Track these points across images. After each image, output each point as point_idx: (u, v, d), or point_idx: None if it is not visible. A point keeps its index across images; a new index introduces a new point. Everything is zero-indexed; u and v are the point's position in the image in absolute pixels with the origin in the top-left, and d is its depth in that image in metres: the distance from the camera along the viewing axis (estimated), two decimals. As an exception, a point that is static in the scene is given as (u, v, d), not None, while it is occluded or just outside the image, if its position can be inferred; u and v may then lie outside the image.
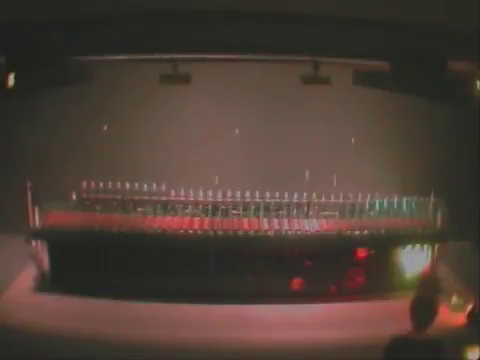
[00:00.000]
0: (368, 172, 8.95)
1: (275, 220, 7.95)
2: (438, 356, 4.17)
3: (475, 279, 7.39)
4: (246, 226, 7.87)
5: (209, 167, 9.03)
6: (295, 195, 8.19)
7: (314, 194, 8.16)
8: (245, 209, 8.11)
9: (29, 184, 7.67)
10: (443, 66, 6.88)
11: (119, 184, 8.19)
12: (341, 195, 8.15)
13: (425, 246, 7.94)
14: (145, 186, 8.22)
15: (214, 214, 8.08)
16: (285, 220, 8.01)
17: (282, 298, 7.47)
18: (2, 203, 8.67)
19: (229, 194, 8.22)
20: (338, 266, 7.77)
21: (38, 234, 7.77)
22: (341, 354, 6.39)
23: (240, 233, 7.74)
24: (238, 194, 8.21)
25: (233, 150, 9.38)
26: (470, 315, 6.95)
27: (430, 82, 6.99)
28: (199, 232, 7.75)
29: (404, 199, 8.15)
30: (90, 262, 7.69)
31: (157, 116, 9.27)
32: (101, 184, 8.20)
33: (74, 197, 8.26)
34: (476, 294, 7.15)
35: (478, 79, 7.08)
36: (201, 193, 8.23)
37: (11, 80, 6.68)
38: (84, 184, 8.23)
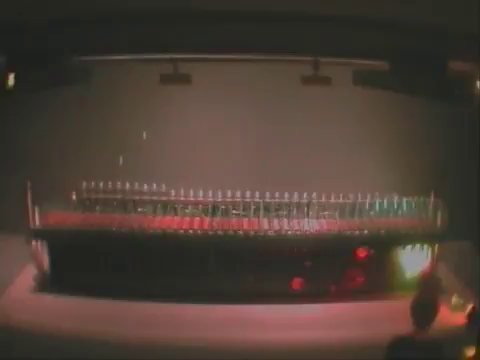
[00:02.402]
0: (368, 172, 8.95)
1: (275, 220, 7.95)
2: (438, 356, 4.17)
3: (475, 279, 7.39)
4: (246, 226, 7.87)
5: (209, 167, 9.03)
6: (295, 195, 8.19)
7: (314, 194, 8.16)
8: (245, 209, 8.11)
9: (29, 184, 7.67)
10: (443, 66, 6.88)
11: (119, 184, 8.19)
12: (341, 195, 8.15)
13: (425, 246, 7.94)
14: (145, 186, 8.22)
15: (214, 214, 8.07)
16: (285, 220, 8.01)
17: (282, 298, 7.47)
18: (2, 203, 8.66)
19: (229, 194, 8.22)
20: (338, 266, 7.76)
21: (38, 234, 7.77)
22: (341, 354, 6.39)
23: (240, 233, 7.74)
24: (238, 194, 8.20)
25: (233, 150, 9.38)
26: (470, 315, 6.95)
27: (430, 82, 6.99)
28: (199, 232, 7.76)
29: (404, 199, 8.15)
30: (90, 262, 7.69)
31: (157, 116, 9.27)
32: (101, 184, 8.20)
33: (74, 197, 8.26)
34: (476, 294, 7.16)
35: (478, 79, 7.08)
36: (201, 193, 8.23)
37: (11, 80, 6.68)
38: (84, 184, 8.23)
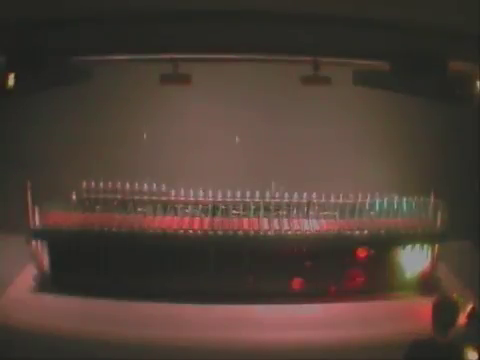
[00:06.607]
0: (368, 172, 8.96)
1: (275, 220, 7.95)
2: (457, 358, 4.16)
3: (475, 279, 7.39)
4: (246, 226, 7.87)
5: (209, 167, 9.04)
6: (295, 195, 8.19)
7: (314, 194, 8.16)
8: (245, 209, 8.11)
9: (29, 184, 7.67)
10: (443, 66, 6.89)
11: (119, 184, 8.20)
12: (341, 195, 8.15)
13: (425, 246, 7.94)
14: (145, 186, 8.23)
15: (214, 214, 8.07)
16: (285, 220, 8.01)
17: (282, 298, 7.47)
18: (2, 203, 8.67)
19: (229, 194, 8.22)
20: (338, 266, 7.76)
21: (38, 234, 7.77)
22: (341, 354, 6.39)
23: (240, 233, 7.74)
24: (238, 194, 8.21)
25: (233, 150, 9.38)
26: (470, 315, 6.94)
27: (430, 82, 6.99)
28: (199, 232, 7.76)
29: (404, 199, 8.15)
30: (90, 262, 7.69)
31: (157, 116, 9.27)
32: (101, 184, 8.20)
33: (74, 197, 8.26)
34: (476, 294, 7.15)
35: (478, 79, 7.08)
36: (201, 193, 8.23)
37: (11, 80, 6.68)
38: (84, 184, 8.23)
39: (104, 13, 6.42)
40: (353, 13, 6.33)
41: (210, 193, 8.21)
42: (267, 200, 8.13)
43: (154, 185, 8.24)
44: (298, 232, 7.80)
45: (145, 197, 8.19)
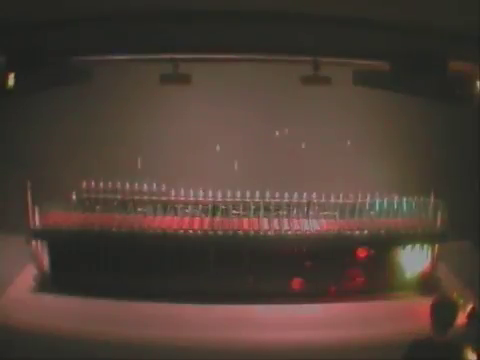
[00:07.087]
0: (368, 172, 8.96)
1: (275, 220, 7.95)
2: (456, 358, 4.16)
3: (475, 279, 7.39)
4: (246, 226, 7.87)
5: (209, 167, 9.04)
6: (295, 195, 8.19)
7: (314, 194, 8.16)
8: (245, 209, 8.11)
9: (29, 184, 7.67)
10: (443, 66, 6.89)
11: (119, 184, 8.20)
12: (341, 195, 8.15)
13: (425, 246, 7.94)
14: (145, 186, 8.23)
15: (214, 214, 8.08)
16: (285, 220, 8.01)
17: (282, 298, 7.47)
18: (2, 203, 8.66)
19: (229, 194, 8.22)
20: (338, 266, 7.76)
21: (38, 234, 7.77)
22: (341, 354, 6.39)
23: (240, 233, 7.74)
24: (238, 194, 8.21)
25: (233, 150, 9.38)
26: (470, 315, 6.94)
27: (430, 82, 6.99)
28: (199, 232, 7.76)
29: (404, 199, 8.15)
30: (90, 262, 7.69)
31: (157, 116, 9.27)
32: (101, 184, 8.21)
33: (74, 197, 8.26)
34: (476, 294, 7.15)
35: (478, 79, 7.09)
36: (201, 193, 8.23)
37: (11, 80, 6.68)
38: (84, 184, 8.23)
39: (104, 13, 6.42)
40: (353, 13, 6.34)
41: (210, 193, 8.21)
42: (267, 200, 8.13)
43: (154, 185, 8.25)
44: (298, 232, 7.80)
45: (145, 197, 8.19)
